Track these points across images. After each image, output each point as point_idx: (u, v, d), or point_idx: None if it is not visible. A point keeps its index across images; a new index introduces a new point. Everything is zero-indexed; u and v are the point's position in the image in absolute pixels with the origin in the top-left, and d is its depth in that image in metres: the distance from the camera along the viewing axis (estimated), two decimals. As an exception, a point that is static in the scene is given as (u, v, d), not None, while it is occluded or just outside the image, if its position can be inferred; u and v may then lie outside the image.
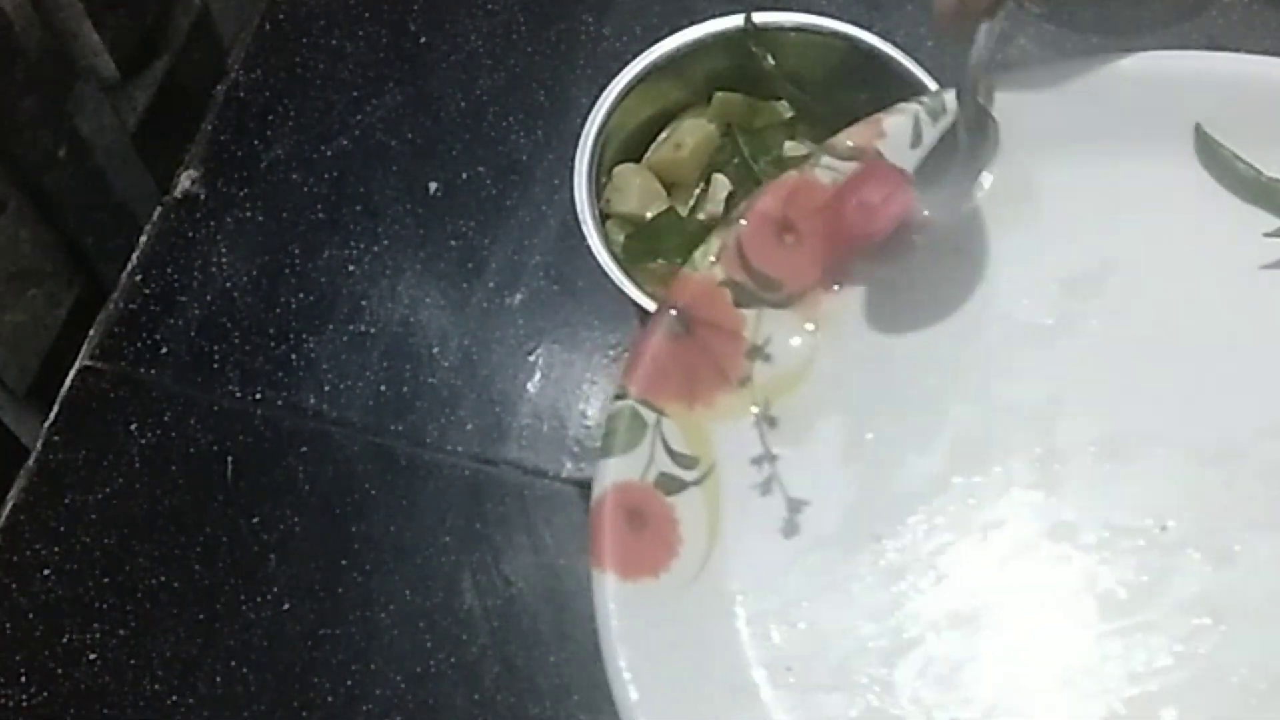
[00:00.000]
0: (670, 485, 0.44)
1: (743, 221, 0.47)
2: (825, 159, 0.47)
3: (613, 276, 0.50)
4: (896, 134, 0.48)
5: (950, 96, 0.48)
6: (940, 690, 0.43)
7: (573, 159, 0.51)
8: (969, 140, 0.47)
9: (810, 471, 0.46)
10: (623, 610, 0.42)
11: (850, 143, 0.48)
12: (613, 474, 0.43)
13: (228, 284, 0.60)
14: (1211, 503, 0.45)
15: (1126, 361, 0.47)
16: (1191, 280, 0.48)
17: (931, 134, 0.48)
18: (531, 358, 0.58)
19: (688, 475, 0.44)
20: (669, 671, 0.42)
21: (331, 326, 0.59)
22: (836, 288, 0.47)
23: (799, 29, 0.54)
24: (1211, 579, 0.44)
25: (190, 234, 0.61)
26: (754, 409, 0.46)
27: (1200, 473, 0.45)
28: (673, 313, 0.45)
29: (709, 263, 0.46)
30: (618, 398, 0.44)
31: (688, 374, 0.45)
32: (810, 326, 0.47)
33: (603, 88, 0.53)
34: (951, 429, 0.46)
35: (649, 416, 0.44)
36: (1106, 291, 0.48)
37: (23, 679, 0.52)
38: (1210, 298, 0.48)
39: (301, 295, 0.59)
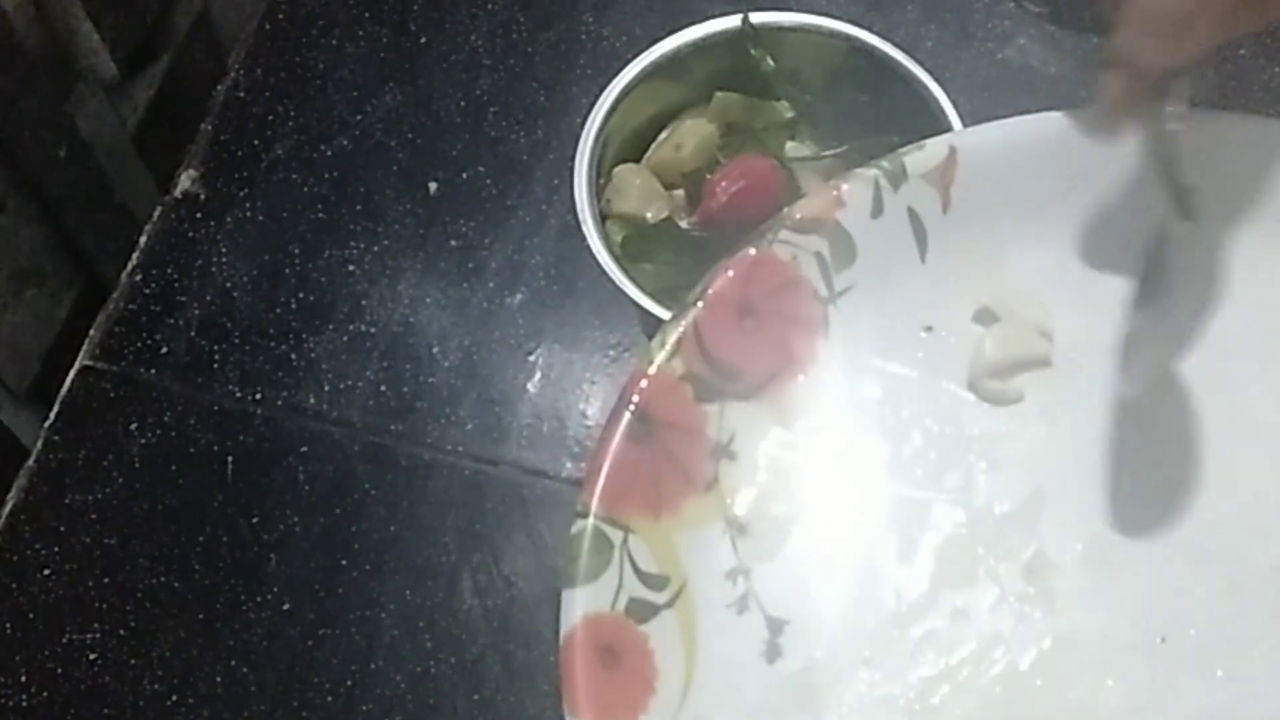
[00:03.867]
0: (642, 612, 0.41)
1: (700, 305, 0.44)
2: (783, 233, 0.45)
3: (613, 276, 0.50)
4: (856, 202, 0.45)
5: (911, 160, 0.45)
6: None
7: (573, 159, 0.51)
8: (1184, 231, 0.41)
9: (788, 585, 0.42)
10: None
11: (808, 214, 0.45)
12: (581, 606, 0.40)
13: (228, 284, 0.60)
14: (1211, 612, 0.42)
15: (1111, 456, 0.44)
16: (1178, 371, 0.43)
17: (893, 202, 0.45)
18: (531, 358, 0.58)
19: (659, 598, 0.41)
20: None
21: (331, 326, 0.59)
22: (801, 377, 0.44)
23: (799, 29, 0.54)
24: (1215, 698, 0.41)
25: (190, 234, 0.61)
26: (723, 515, 0.43)
27: (1198, 576, 0.42)
28: (630, 414, 0.42)
29: (667, 355, 0.43)
30: (579, 516, 0.41)
31: (651, 482, 0.42)
32: (775, 419, 0.44)
33: (603, 88, 0.53)
34: (934, 534, 0.43)
35: (614, 535, 0.41)
36: (1085, 372, 0.45)
37: (23, 679, 0.52)
38: (1201, 389, 0.44)
39: (301, 295, 0.59)
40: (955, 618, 0.42)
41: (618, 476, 0.42)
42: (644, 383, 0.43)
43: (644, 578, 0.41)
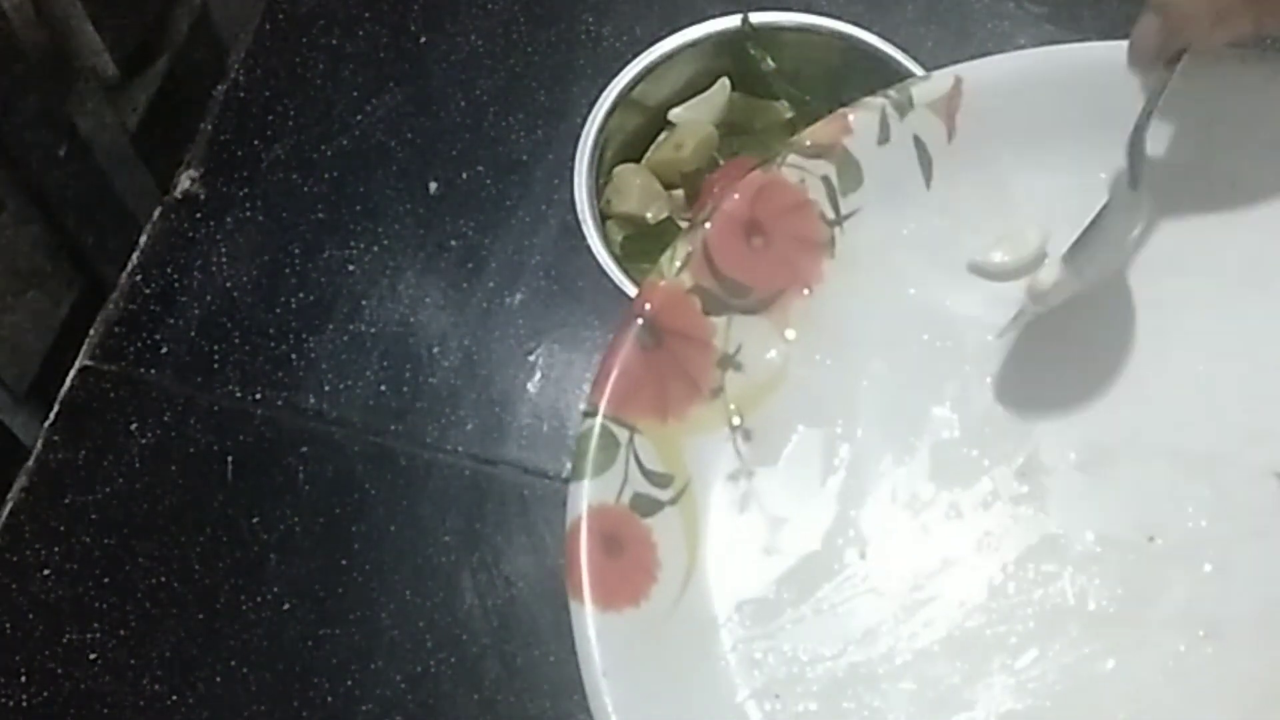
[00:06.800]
0: (646, 506, 0.43)
1: (708, 225, 0.46)
2: (792, 157, 0.46)
3: (613, 276, 0.50)
4: (863, 130, 0.47)
5: (917, 89, 0.47)
6: (933, 717, 0.42)
7: (573, 159, 0.51)
8: (1129, 198, 0.45)
9: (788, 486, 0.45)
10: (604, 643, 0.40)
11: (816, 140, 0.47)
12: (587, 497, 0.42)
13: (228, 284, 0.60)
14: (1199, 512, 0.44)
15: (1105, 365, 0.46)
16: (1171, 281, 0.46)
17: (900, 130, 0.47)
18: (531, 358, 0.58)
19: (663, 495, 0.43)
20: (655, 704, 0.40)
21: (331, 326, 0.59)
22: (807, 292, 0.46)
23: (799, 29, 0.54)
24: (1202, 592, 0.43)
25: (190, 234, 0.61)
26: (728, 421, 0.45)
27: (1187, 480, 0.44)
28: (640, 322, 0.44)
29: (676, 269, 0.45)
30: (587, 415, 0.43)
31: (659, 387, 0.44)
32: (781, 333, 0.46)
33: (603, 88, 0.53)
34: (931, 439, 0.45)
35: (621, 434, 0.43)
36: (1083, 293, 0.46)
37: (23, 679, 0.52)
38: (1191, 299, 0.46)
39: (301, 295, 0.59)
40: (949, 515, 0.44)
41: (626, 380, 0.43)
42: (654, 294, 0.45)
43: (649, 475, 0.43)
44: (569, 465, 0.55)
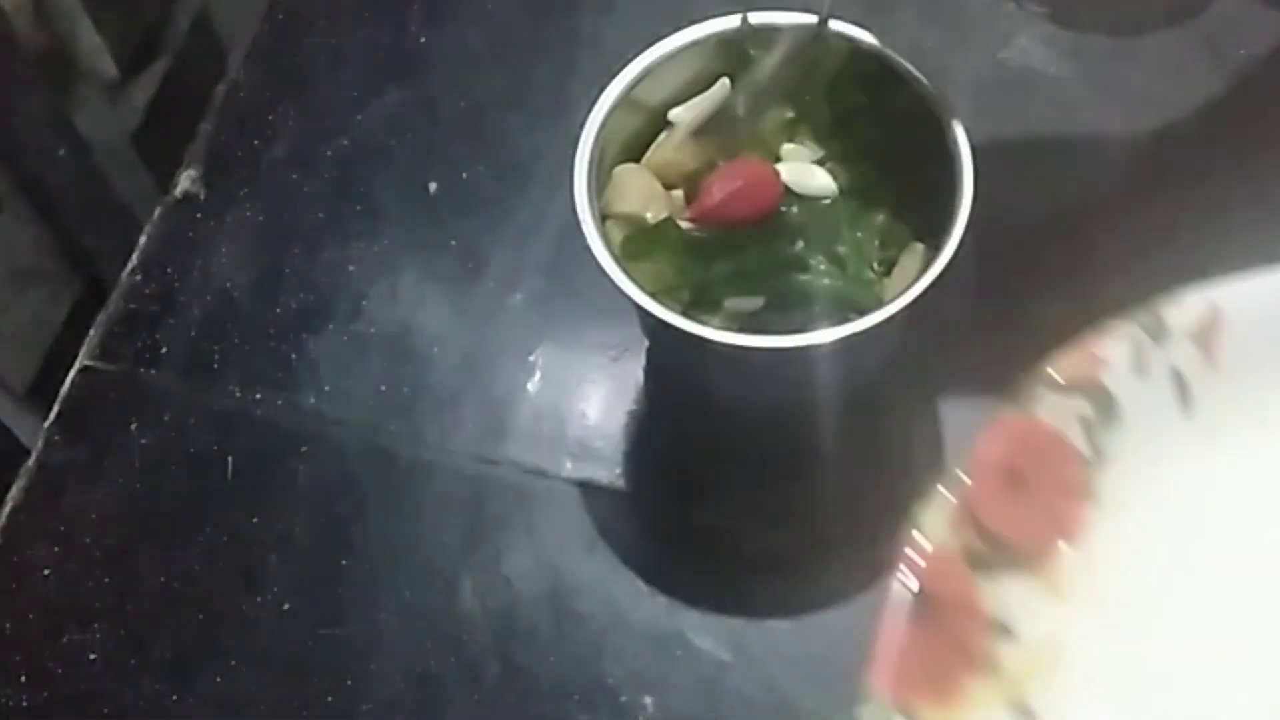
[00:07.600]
0: None
1: (966, 476, 0.42)
2: (1047, 396, 0.43)
3: (613, 276, 0.50)
4: (1118, 362, 0.43)
5: (1170, 315, 0.43)
6: None
7: (573, 159, 0.51)
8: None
9: None
10: None
11: (1068, 374, 0.43)
12: None
13: (228, 284, 0.60)
14: None
15: None
16: None
17: (1156, 356, 0.43)
18: (531, 358, 0.58)
19: None
20: None
21: (331, 326, 0.59)
22: (1073, 545, 0.43)
23: (799, 29, 0.54)
24: None
25: (190, 234, 0.61)
26: (1008, 699, 0.41)
27: None
28: (908, 593, 0.40)
29: (939, 529, 0.41)
30: (867, 703, 0.39)
31: (933, 662, 0.40)
32: (1053, 593, 0.42)
33: (603, 88, 0.53)
34: (1230, 711, 0.41)
35: None
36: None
37: (23, 679, 0.52)
38: None
39: (301, 295, 0.59)
40: None
41: (901, 658, 0.40)
42: (919, 560, 0.41)
43: None
44: (569, 465, 0.55)
